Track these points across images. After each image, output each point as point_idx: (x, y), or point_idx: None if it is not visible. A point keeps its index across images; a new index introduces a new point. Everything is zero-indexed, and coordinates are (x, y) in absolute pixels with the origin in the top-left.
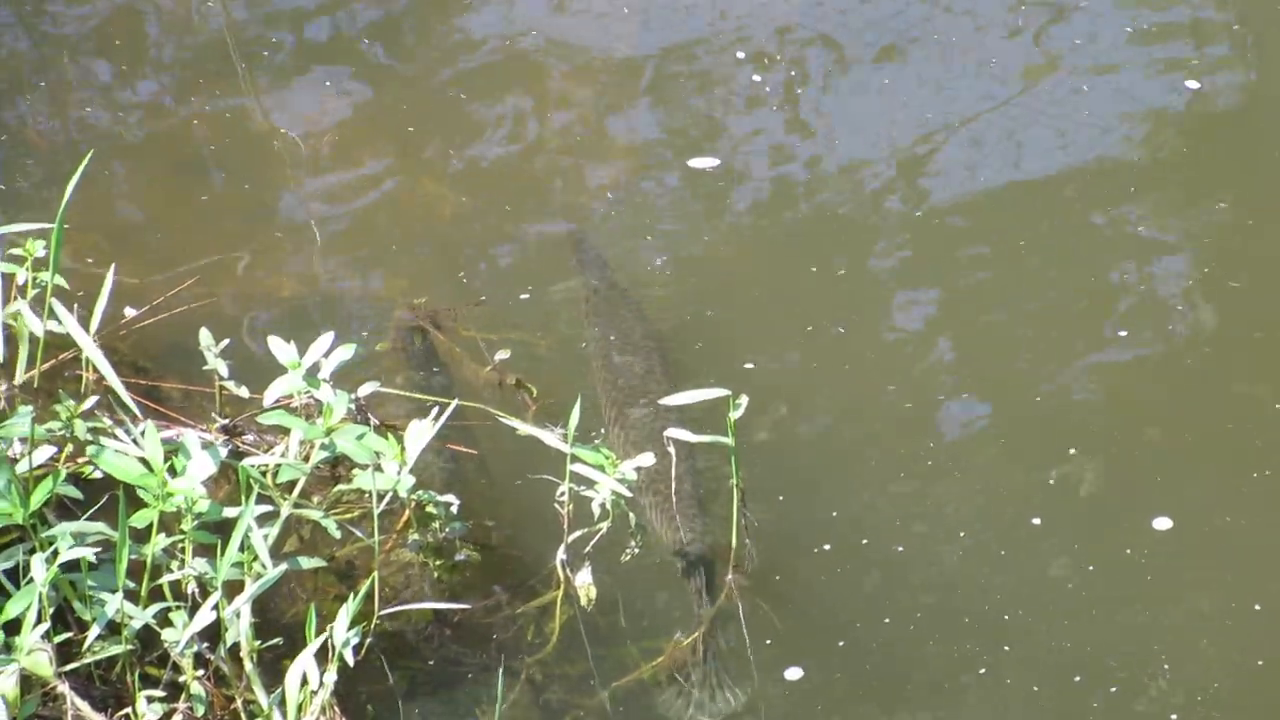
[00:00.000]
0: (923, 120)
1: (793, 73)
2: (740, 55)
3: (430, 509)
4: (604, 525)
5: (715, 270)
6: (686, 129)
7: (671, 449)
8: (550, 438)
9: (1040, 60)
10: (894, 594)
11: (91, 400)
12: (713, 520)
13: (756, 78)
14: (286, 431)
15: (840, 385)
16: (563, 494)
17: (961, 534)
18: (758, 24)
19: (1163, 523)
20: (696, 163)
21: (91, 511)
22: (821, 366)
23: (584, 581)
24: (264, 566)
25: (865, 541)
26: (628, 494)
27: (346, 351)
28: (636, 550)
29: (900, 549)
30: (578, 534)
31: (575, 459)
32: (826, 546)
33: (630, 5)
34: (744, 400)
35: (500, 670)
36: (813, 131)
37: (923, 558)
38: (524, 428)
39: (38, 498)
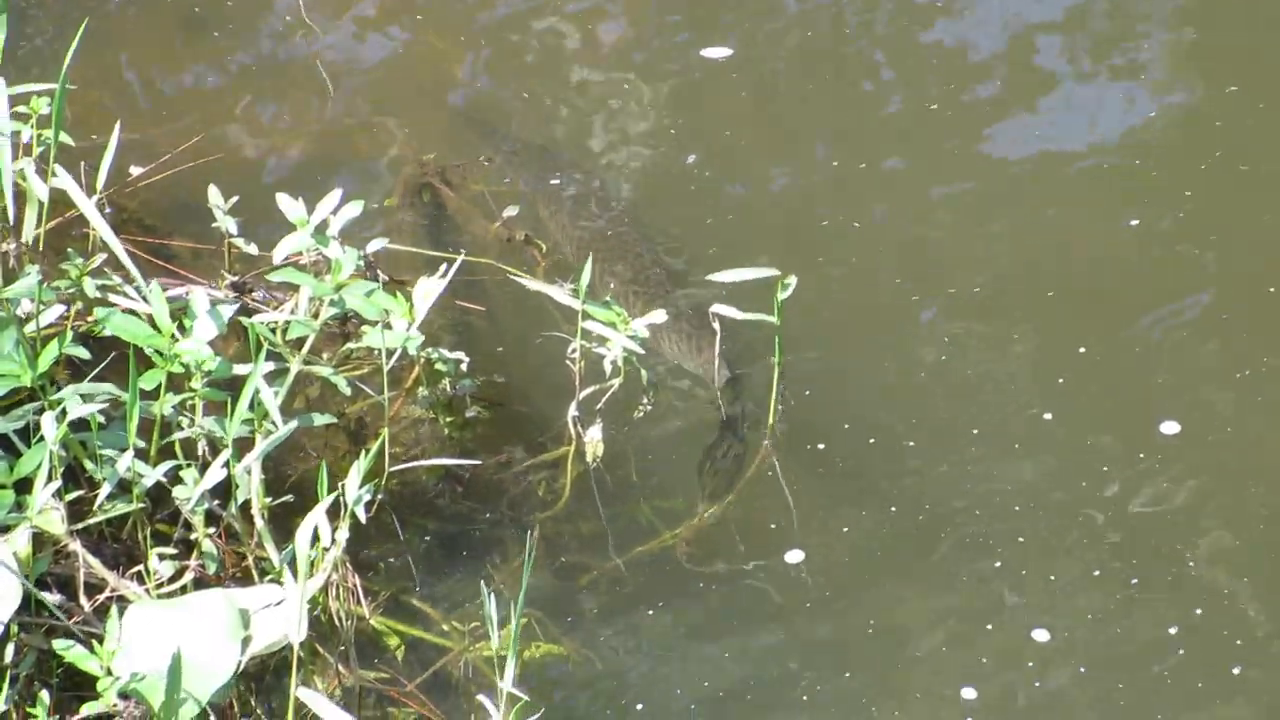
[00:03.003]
0: None
1: None
2: None
3: (439, 366)
4: (616, 382)
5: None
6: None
7: (717, 325)
8: (560, 294)
9: None
10: (906, 483)
11: (100, 258)
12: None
13: None
14: (296, 288)
15: (853, 282)
16: (574, 351)
17: (975, 430)
18: None
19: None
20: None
21: (100, 369)
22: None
23: (594, 438)
24: (274, 424)
25: (872, 441)
26: (640, 351)
27: (354, 208)
28: (648, 407)
29: (911, 443)
30: (589, 390)
31: (587, 316)
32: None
33: None
34: (793, 280)
35: (532, 534)
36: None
37: (937, 449)
38: (534, 284)
39: (45, 359)
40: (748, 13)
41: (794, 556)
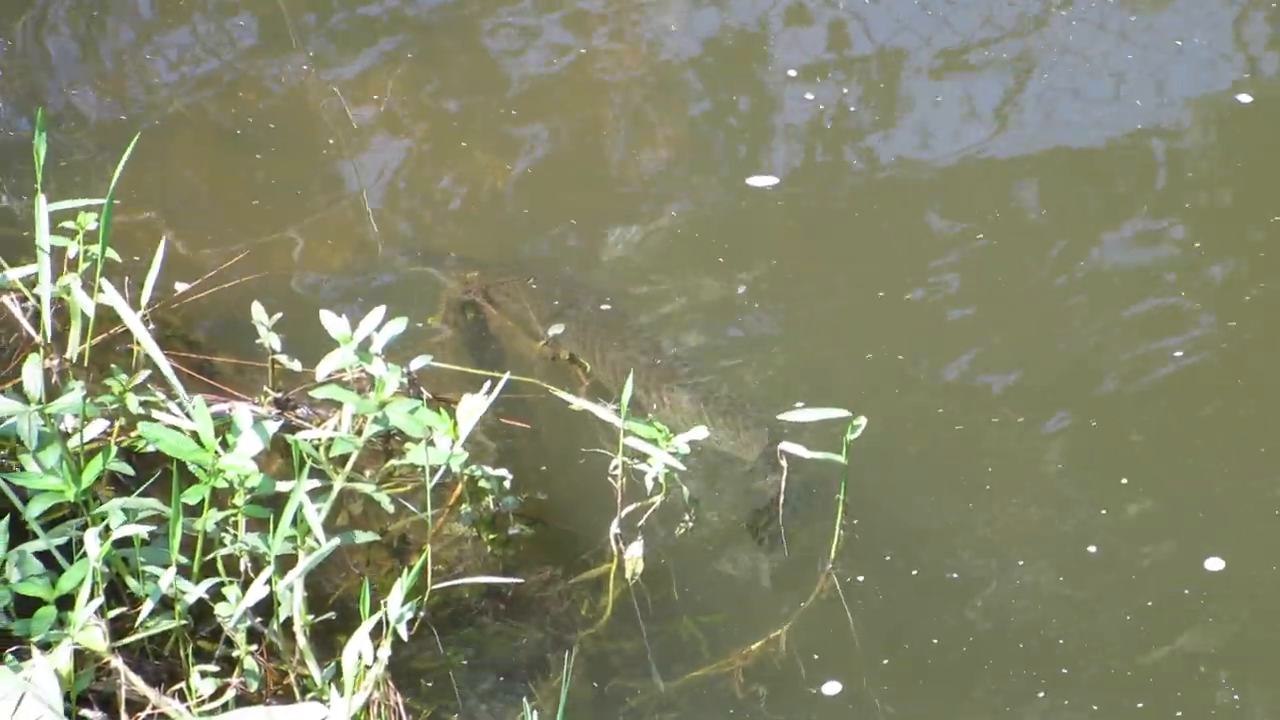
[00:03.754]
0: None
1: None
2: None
3: (483, 483)
4: (657, 499)
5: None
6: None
7: (784, 462)
8: (603, 411)
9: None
10: (946, 617)
11: (143, 375)
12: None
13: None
14: (339, 405)
15: (894, 406)
16: (616, 467)
17: (1020, 562)
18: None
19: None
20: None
21: (144, 486)
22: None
23: (634, 554)
24: (317, 541)
25: (915, 572)
26: (681, 468)
27: (398, 326)
28: (690, 524)
29: (954, 575)
30: (631, 507)
31: (629, 432)
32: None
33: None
34: (862, 421)
35: (570, 652)
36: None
37: (979, 582)
38: (577, 402)
39: (89, 475)
40: (793, 141)
41: (831, 688)
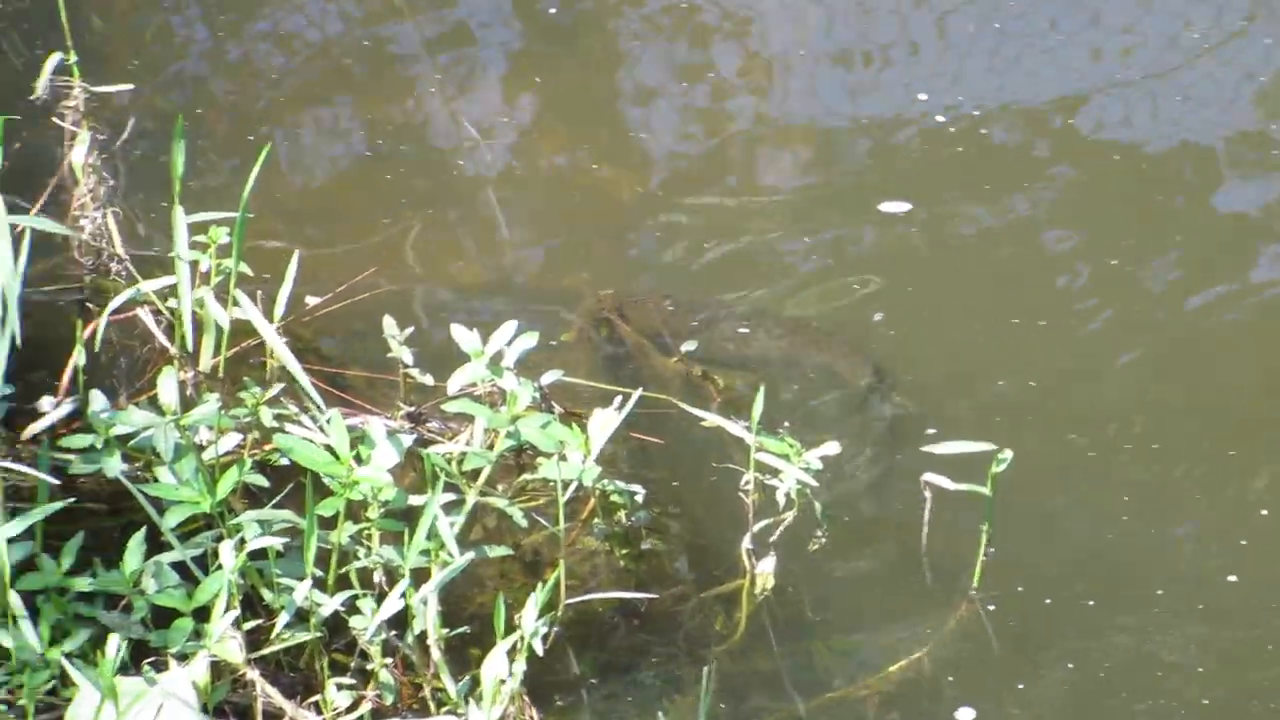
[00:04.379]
0: None
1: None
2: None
3: (615, 498)
4: (789, 514)
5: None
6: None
7: (927, 494)
8: (734, 427)
9: None
10: (1083, 645)
11: (277, 387)
12: None
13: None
14: (471, 420)
15: (1029, 434)
16: (747, 483)
17: (1159, 591)
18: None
19: None
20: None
21: (278, 499)
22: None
23: (765, 570)
24: (451, 555)
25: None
26: (813, 483)
27: (529, 340)
28: (824, 540)
29: (1091, 602)
30: (763, 523)
31: (760, 448)
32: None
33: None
34: (1008, 454)
35: (706, 669)
36: None
37: (1118, 609)
38: (709, 418)
39: (224, 487)
40: (925, 165)
41: (965, 714)
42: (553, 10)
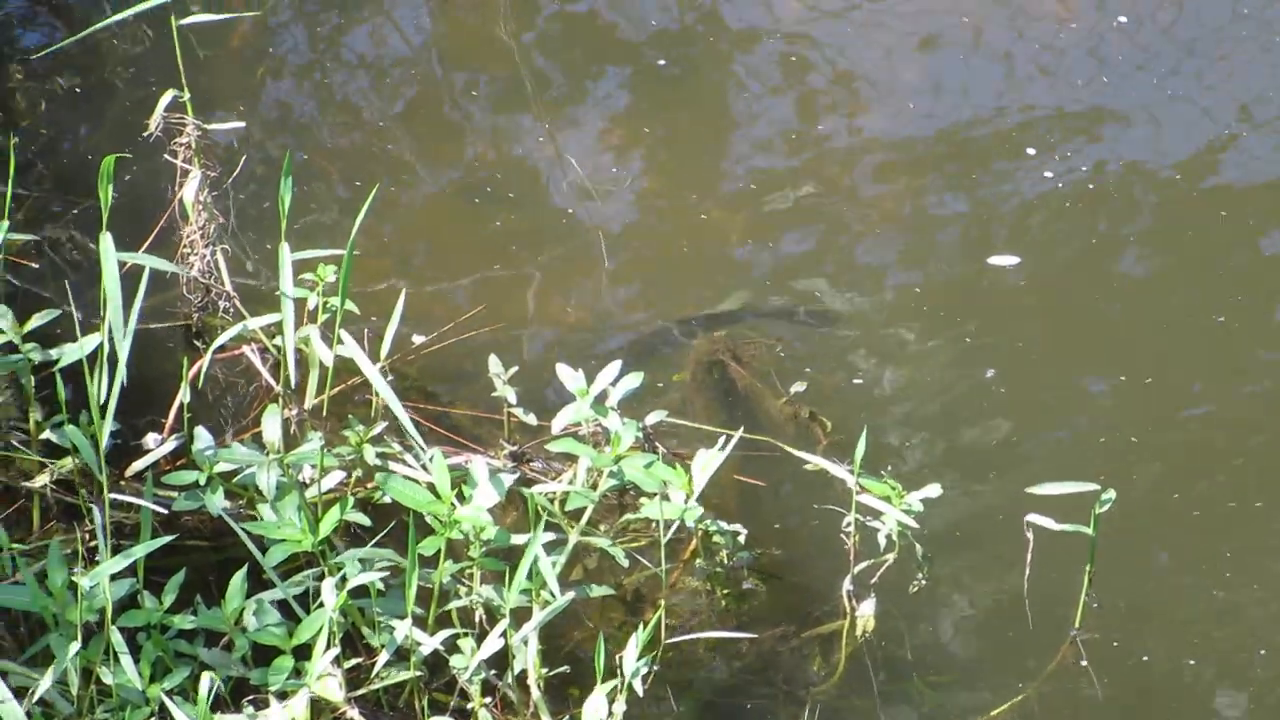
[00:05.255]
0: None
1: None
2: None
3: (717, 538)
4: (890, 556)
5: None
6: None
7: (1030, 534)
8: (836, 469)
9: None
10: (1181, 702)
11: (380, 426)
12: None
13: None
14: (574, 459)
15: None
16: (849, 524)
17: (1262, 651)
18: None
19: None
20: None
21: (380, 536)
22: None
23: (865, 612)
24: (552, 594)
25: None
26: (914, 525)
27: (634, 380)
28: (924, 581)
29: (1191, 661)
30: (863, 564)
31: (862, 490)
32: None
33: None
34: (1111, 494)
35: (805, 710)
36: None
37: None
38: (811, 459)
39: (326, 525)
40: (1033, 220)
41: None
42: (661, 62)
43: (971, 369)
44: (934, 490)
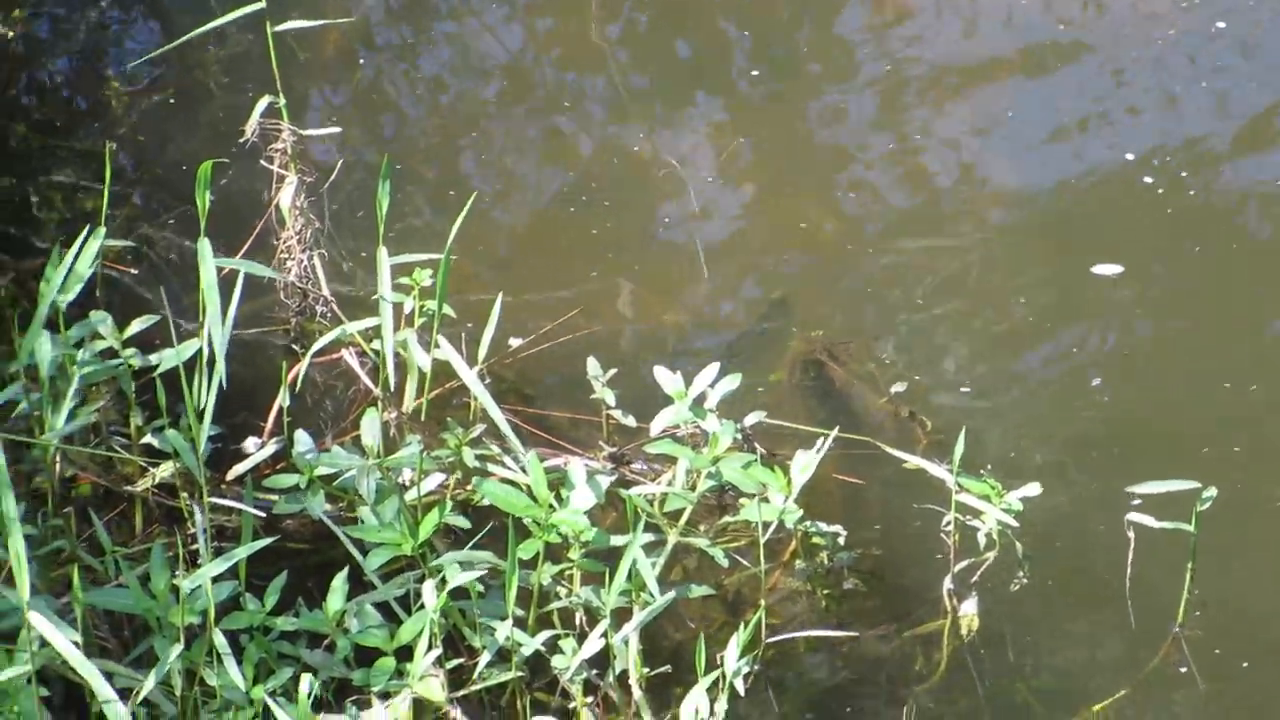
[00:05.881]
0: None
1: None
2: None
3: (817, 539)
4: (990, 555)
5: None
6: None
7: (1131, 533)
8: (935, 468)
9: None
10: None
11: (479, 428)
12: None
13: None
14: (673, 460)
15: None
16: (948, 524)
17: None
18: None
19: None
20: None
21: (479, 537)
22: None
23: (968, 611)
24: (651, 595)
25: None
26: (1014, 524)
27: (732, 382)
28: (1024, 580)
29: None
30: (964, 563)
31: (961, 489)
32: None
33: None
34: (1212, 492)
35: (906, 709)
36: None
37: None
38: (910, 459)
39: (426, 528)
40: (1136, 227)
41: None
42: (755, 72)
43: (1076, 376)
44: (1034, 489)
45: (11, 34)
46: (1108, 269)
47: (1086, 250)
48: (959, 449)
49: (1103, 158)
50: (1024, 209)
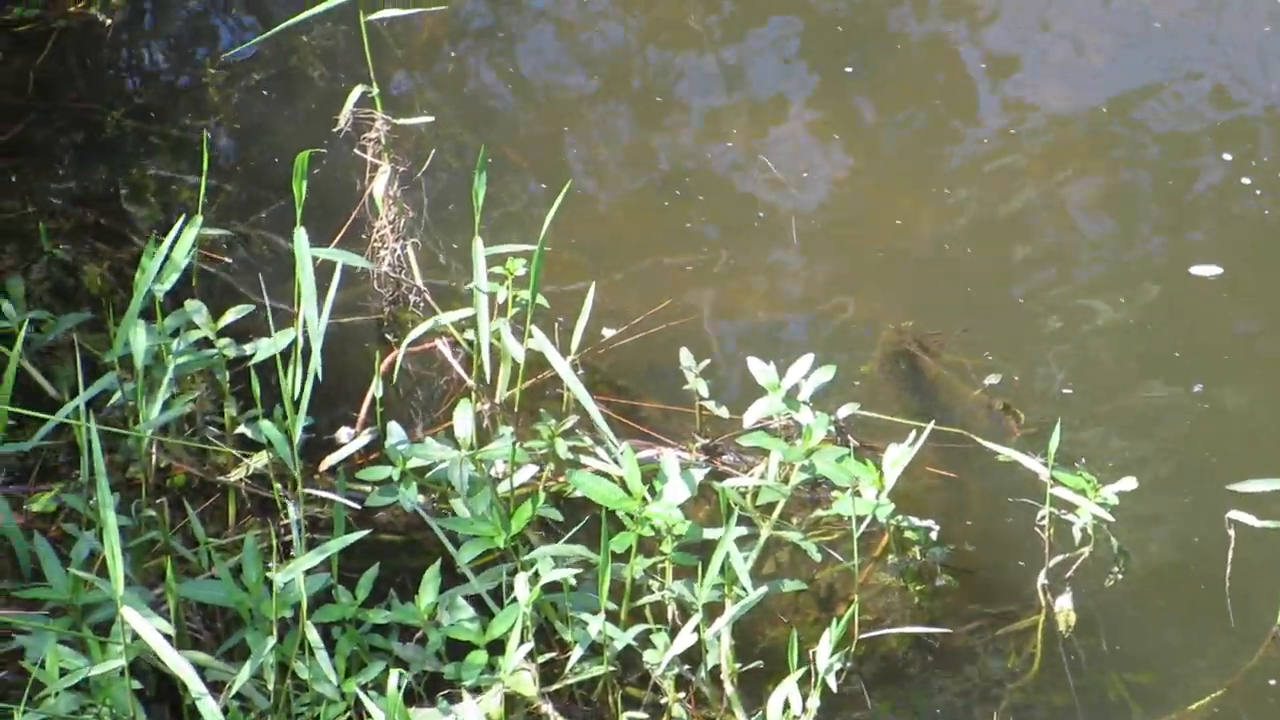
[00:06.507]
0: None
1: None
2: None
3: (909, 533)
4: (1085, 550)
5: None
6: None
7: (1232, 531)
8: (1030, 462)
9: None
10: None
11: (572, 419)
12: None
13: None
14: (766, 453)
15: None
16: (1043, 518)
17: None
18: None
19: None
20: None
21: (573, 531)
22: None
23: (1064, 606)
24: (744, 589)
25: None
26: (1109, 519)
27: (826, 373)
28: (1120, 576)
29: None
30: (1059, 558)
31: (1056, 483)
32: None
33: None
34: None
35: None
36: None
37: None
38: (1005, 452)
39: (519, 521)
40: (1234, 228)
41: None
42: (849, 69)
43: (1174, 375)
44: (1130, 483)
45: (109, 20)
46: (1206, 270)
47: (1185, 251)
48: (1054, 442)
49: (1202, 157)
50: (1121, 207)
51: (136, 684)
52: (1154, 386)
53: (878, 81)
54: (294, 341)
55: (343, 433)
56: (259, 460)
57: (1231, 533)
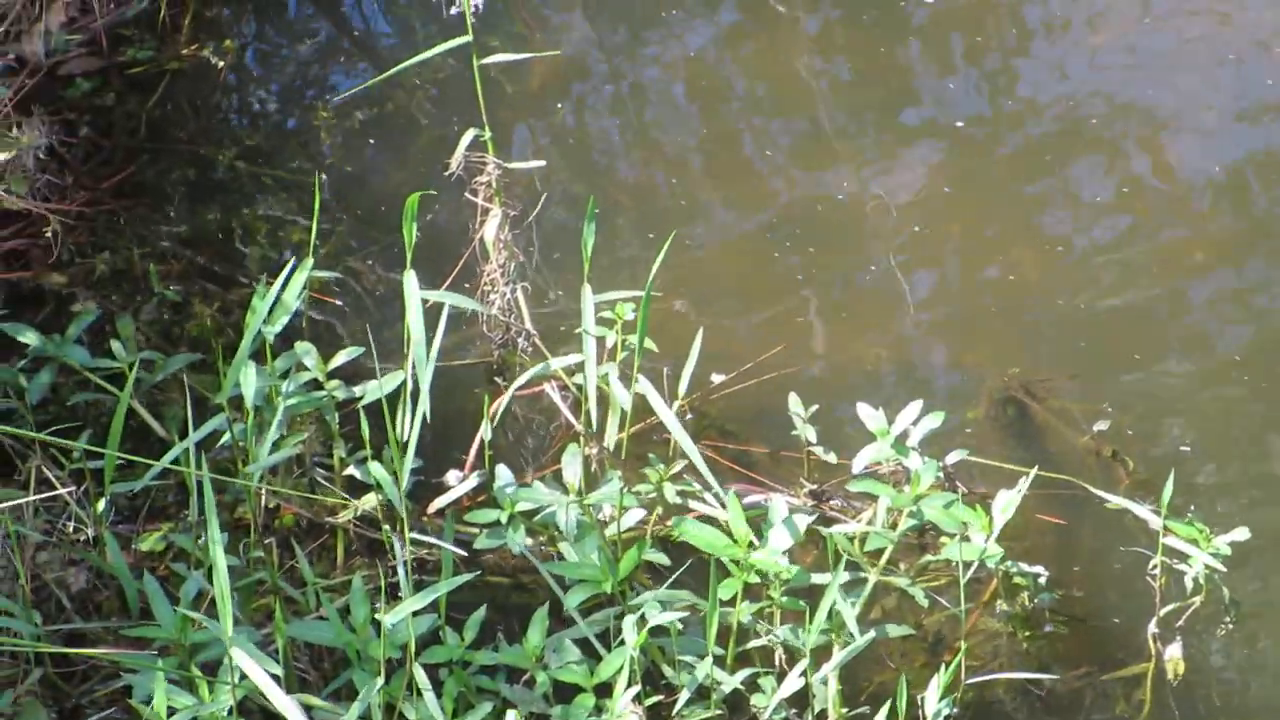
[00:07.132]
0: None
1: None
2: None
3: (1018, 579)
4: (1197, 600)
5: None
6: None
7: None
8: (1141, 510)
9: None
10: None
11: (679, 464)
12: None
13: None
14: (874, 498)
15: None
16: (1154, 567)
17: None
18: None
19: None
20: None
21: (678, 573)
22: None
23: (1174, 655)
24: (851, 634)
25: None
26: (1221, 569)
27: (935, 419)
28: (1231, 625)
29: None
30: (1170, 607)
31: (1168, 531)
32: None
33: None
34: None
35: None
36: None
37: None
38: (1113, 499)
39: (626, 565)
40: None
41: None
42: (960, 123)
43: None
44: (1243, 533)
45: (222, 64)
46: None
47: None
48: (1168, 490)
49: None
50: (1226, 251)
51: None
52: (1263, 428)
53: (990, 130)
54: (403, 384)
55: (451, 475)
56: (367, 502)
57: None
